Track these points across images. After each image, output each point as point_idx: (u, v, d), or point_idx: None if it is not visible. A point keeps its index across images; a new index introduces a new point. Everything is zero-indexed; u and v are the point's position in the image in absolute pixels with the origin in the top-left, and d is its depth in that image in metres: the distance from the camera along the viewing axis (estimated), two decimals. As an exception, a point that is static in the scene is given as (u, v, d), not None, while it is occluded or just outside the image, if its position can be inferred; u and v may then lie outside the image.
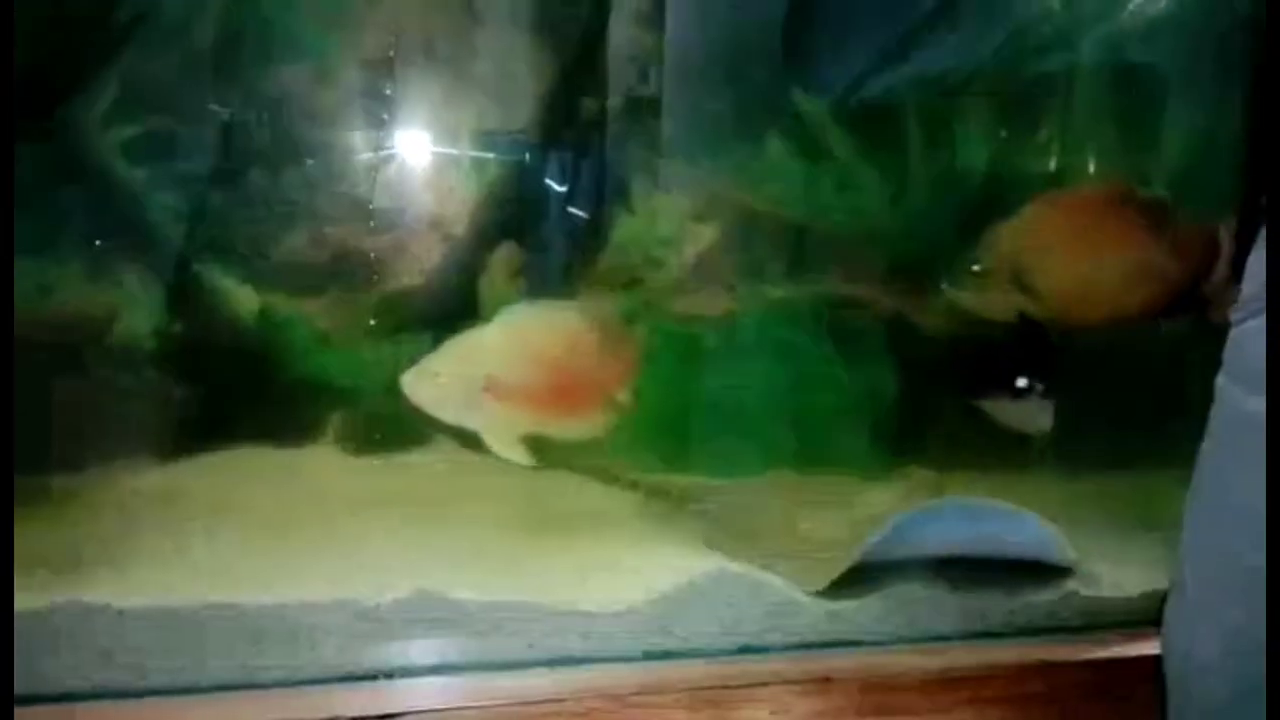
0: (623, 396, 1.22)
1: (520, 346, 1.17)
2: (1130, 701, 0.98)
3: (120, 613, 0.88)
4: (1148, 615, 1.04)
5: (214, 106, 1.29)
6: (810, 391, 1.45)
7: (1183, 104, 1.44)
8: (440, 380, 1.12)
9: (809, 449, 1.42)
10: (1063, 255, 1.34)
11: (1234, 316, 0.81)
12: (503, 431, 1.16)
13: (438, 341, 1.30)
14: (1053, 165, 1.46)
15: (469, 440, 1.38)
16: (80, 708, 0.85)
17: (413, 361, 1.14)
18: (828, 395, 1.47)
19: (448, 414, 1.15)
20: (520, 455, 1.16)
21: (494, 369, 1.14)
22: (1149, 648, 1.00)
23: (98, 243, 1.28)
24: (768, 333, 1.43)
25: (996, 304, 1.37)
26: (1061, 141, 1.45)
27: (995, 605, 1.05)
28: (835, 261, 1.46)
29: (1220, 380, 0.81)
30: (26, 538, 1.03)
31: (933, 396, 1.49)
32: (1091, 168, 1.48)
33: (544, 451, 1.19)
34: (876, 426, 1.46)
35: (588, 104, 1.41)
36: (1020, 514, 1.04)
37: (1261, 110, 1.22)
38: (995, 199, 1.38)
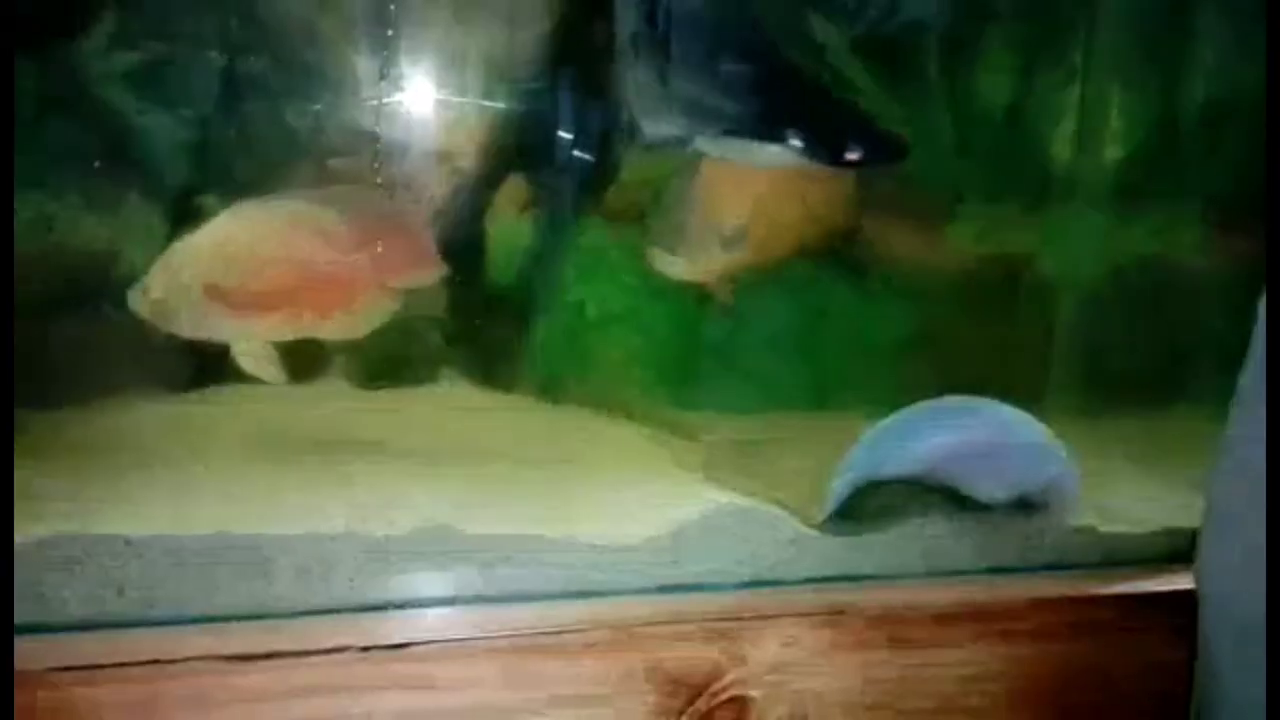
0: (402, 282, 1.11)
1: (238, 248, 1.06)
2: (1148, 637, 0.98)
3: (129, 543, 0.88)
4: (1166, 551, 1.03)
5: (214, 33, 1.26)
6: (825, 328, 1.44)
7: (1218, 30, 1.39)
8: (152, 295, 1.04)
9: (821, 385, 1.41)
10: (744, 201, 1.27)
11: None
12: (248, 344, 1.07)
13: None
14: (1078, 95, 1.42)
15: (478, 374, 1.39)
16: (88, 637, 0.85)
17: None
18: (841, 335, 1.45)
19: (184, 328, 1.05)
20: (272, 373, 1.08)
21: (212, 277, 1.04)
22: (1162, 583, 0.99)
23: (98, 175, 1.26)
24: (782, 269, 1.41)
25: (700, 263, 1.30)
26: (1086, 72, 1.42)
27: (1012, 540, 1.04)
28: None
29: (1261, 301, 0.80)
30: (34, 470, 1.03)
31: (950, 333, 1.47)
32: (1117, 99, 1.44)
33: (313, 362, 1.13)
34: (893, 364, 1.44)
35: (597, 32, 1.37)
36: (1042, 443, 1.02)
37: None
38: (1020, 130, 1.34)
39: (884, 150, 1.09)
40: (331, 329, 1.10)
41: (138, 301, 1.03)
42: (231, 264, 1.04)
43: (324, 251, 1.06)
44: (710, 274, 1.31)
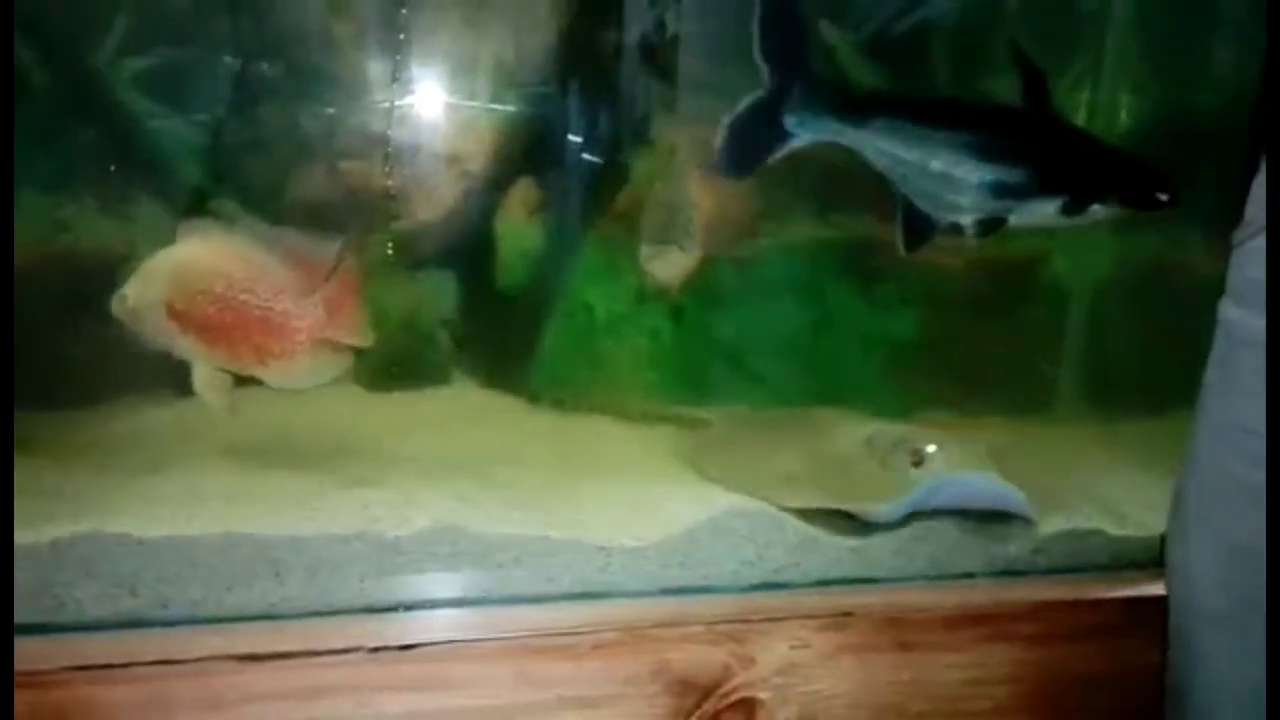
0: (347, 338, 1.07)
1: (193, 273, 1.02)
2: (1149, 639, 0.97)
3: (141, 543, 0.88)
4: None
5: (227, 38, 1.27)
6: (832, 333, 1.44)
7: (1227, 33, 1.39)
8: (128, 303, 1.01)
9: (828, 390, 1.41)
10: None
11: (1235, 238, 0.81)
12: (201, 367, 1.04)
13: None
14: (1088, 97, 1.42)
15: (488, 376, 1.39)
16: (102, 636, 0.85)
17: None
18: (849, 337, 1.45)
19: (157, 340, 1.03)
20: (217, 398, 1.04)
21: (170, 295, 1.01)
22: (1168, 587, 0.99)
23: (111, 177, 1.27)
24: (790, 272, 1.41)
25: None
26: (1096, 74, 1.41)
27: (1020, 544, 1.04)
28: (861, 199, 1.43)
29: (1223, 302, 0.81)
30: (48, 471, 1.04)
31: (957, 340, 1.47)
32: (1125, 102, 1.44)
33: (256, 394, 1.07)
34: (899, 369, 1.44)
35: (606, 36, 1.38)
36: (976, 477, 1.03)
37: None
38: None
39: (1173, 191, 1.13)
40: (270, 376, 1.06)
41: (117, 306, 1.03)
42: (185, 287, 1.02)
43: (260, 294, 1.03)
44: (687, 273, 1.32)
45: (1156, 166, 1.15)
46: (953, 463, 1.03)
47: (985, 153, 1.12)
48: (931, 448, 1.03)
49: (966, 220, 1.15)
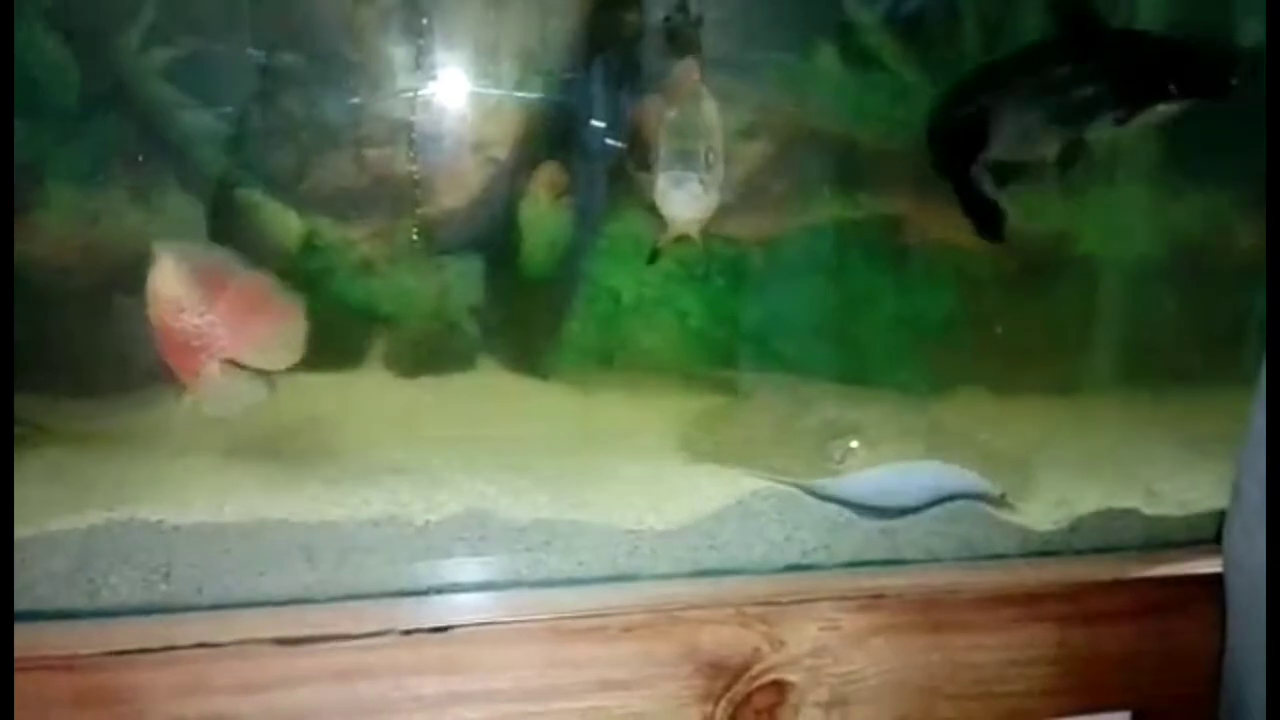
0: (254, 361, 1.00)
1: (153, 284, 0.98)
2: (1187, 619, 0.96)
3: (176, 528, 0.89)
4: (1211, 533, 1.02)
5: (251, 27, 1.27)
6: (860, 313, 1.43)
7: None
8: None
9: (859, 370, 1.40)
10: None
11: None
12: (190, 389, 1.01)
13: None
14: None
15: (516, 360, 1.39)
16: (137, 621, 0.86)
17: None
18: (878, 317, 1.44)
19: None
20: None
21: (156, 310, 0.98)
22: (1207, 565, 0.97)
23: (139, 168, 1.28)
24: (815, 252, 1.40)
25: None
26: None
27: (1054, 524, 1.03)
28: (886, 177, 1.42)
29: None
30: (81, 458, 1.05)
31: (987, 318, 1.46)
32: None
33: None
34: (929, 348, 1.43)
35: (629, 19, 1.37)
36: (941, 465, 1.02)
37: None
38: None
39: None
40: (196, 392, 1.01)
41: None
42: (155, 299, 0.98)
43: (173, 313, 0.98)
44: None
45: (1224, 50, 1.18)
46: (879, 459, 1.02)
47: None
48: (854, 444, 1.02)
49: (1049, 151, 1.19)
